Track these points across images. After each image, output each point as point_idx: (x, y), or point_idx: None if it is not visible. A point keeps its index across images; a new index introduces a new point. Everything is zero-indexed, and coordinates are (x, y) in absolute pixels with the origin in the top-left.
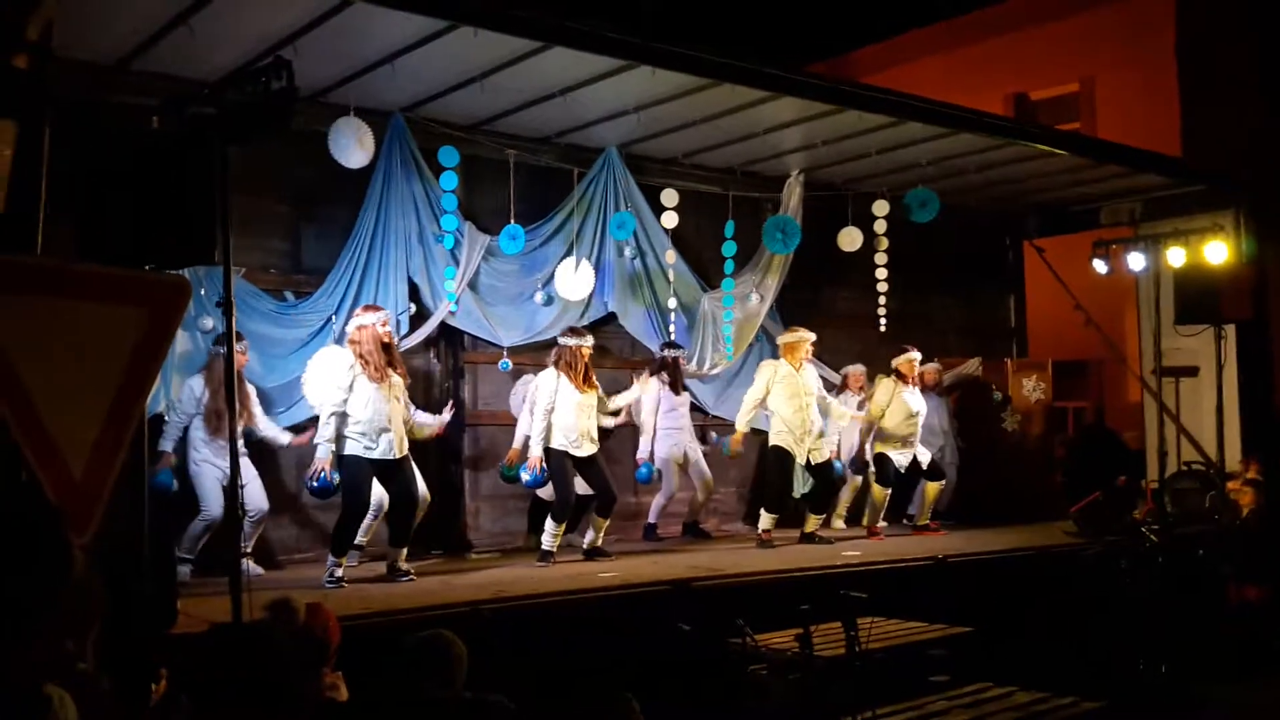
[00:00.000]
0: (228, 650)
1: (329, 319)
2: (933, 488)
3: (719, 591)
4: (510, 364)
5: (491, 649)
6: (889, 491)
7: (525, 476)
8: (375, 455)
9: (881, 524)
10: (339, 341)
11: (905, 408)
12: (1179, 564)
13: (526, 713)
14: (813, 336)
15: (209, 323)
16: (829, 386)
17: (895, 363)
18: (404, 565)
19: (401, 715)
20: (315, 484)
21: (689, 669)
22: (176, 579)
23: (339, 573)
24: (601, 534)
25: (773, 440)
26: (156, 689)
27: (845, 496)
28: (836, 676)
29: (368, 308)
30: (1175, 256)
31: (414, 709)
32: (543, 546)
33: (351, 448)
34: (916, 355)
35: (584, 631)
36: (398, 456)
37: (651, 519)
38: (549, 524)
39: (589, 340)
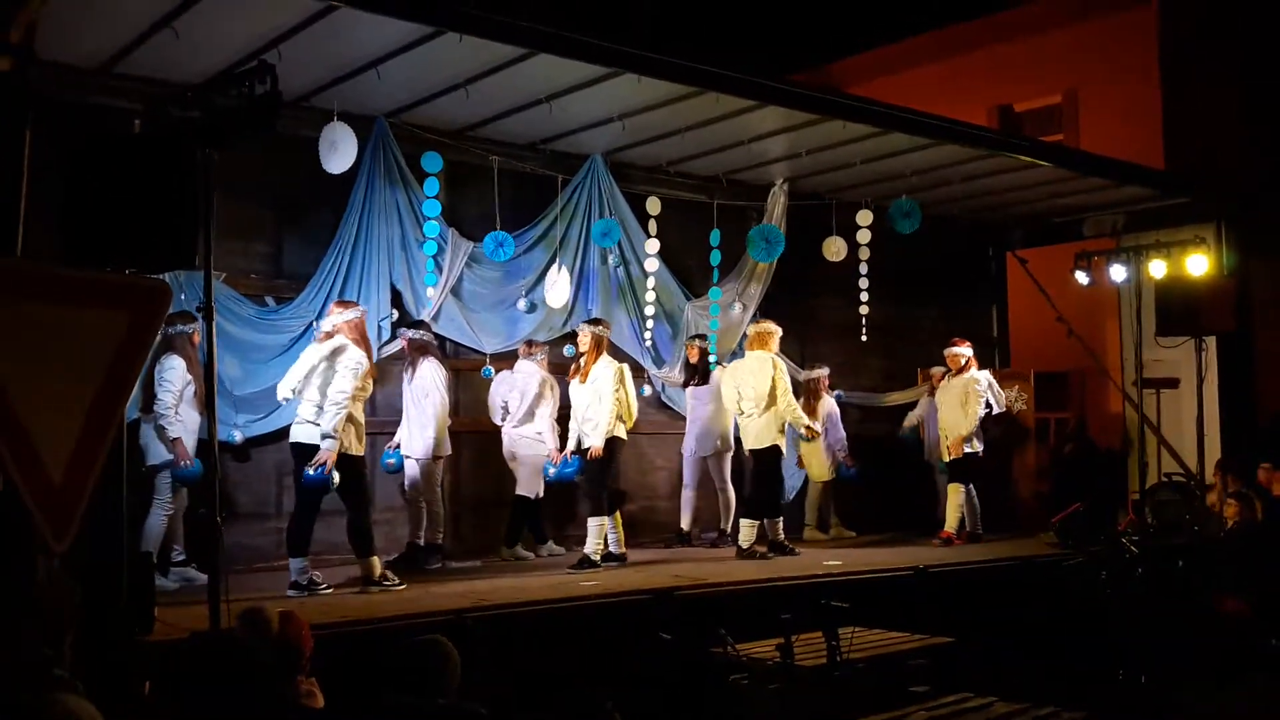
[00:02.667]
0: (202, 658)
1: (310, 325)
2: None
3: (701, 600)
4: (493, 370)
5: (474, 658)
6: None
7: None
8: (361, 454)
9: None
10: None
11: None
12: (1159, 574)
13: None
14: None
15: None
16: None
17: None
18: (390, 574)
19: None
20: (316, 475)
21: (670, 678)
22: (155, 586)
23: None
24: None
25: (772, 440)
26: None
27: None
28: (817, 686)
29: (349, 304)
30: (1157, 268)
31: (391, 717)
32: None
33: (354, 447)
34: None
35: (566, 640)
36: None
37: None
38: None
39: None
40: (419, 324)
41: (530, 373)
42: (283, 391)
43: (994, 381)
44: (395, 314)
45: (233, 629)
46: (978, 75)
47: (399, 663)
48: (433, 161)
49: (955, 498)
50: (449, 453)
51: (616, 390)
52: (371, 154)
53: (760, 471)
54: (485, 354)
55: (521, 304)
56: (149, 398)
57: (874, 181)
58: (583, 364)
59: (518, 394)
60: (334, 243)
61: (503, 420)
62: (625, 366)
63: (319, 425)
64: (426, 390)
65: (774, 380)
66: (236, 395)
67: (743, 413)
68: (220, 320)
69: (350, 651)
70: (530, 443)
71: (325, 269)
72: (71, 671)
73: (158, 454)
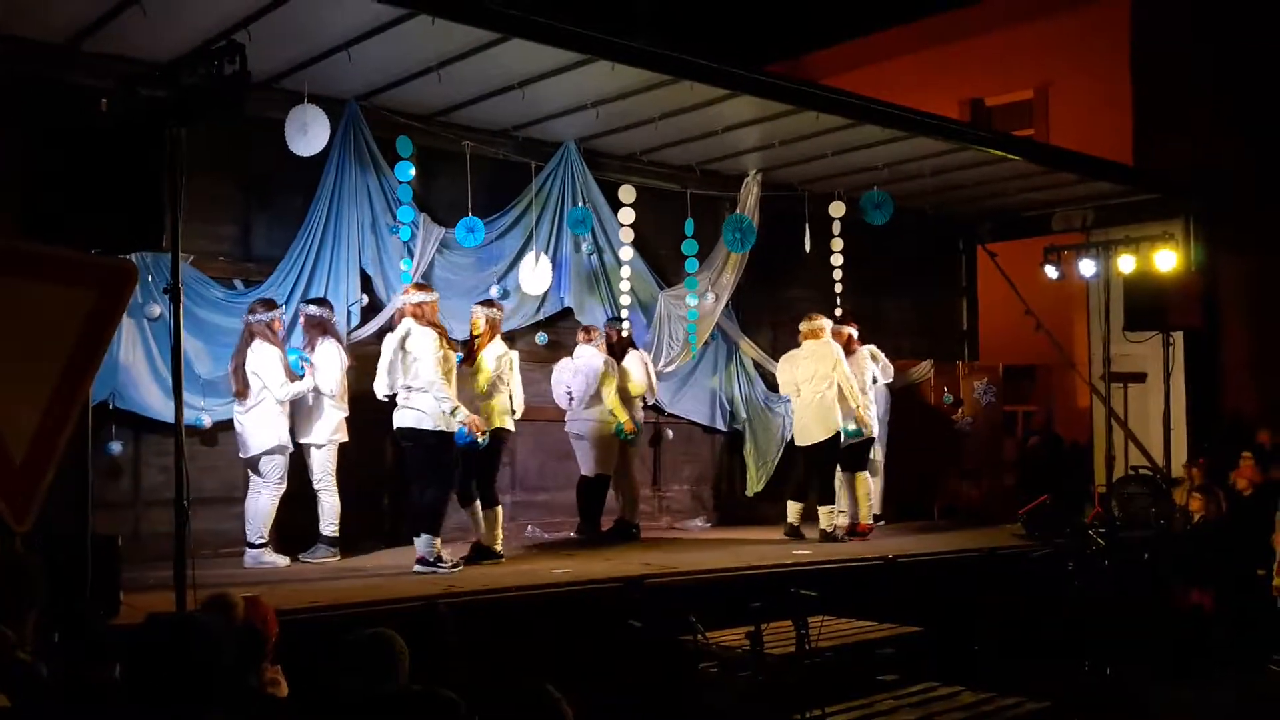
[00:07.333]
0: (161, 642)
1: (279, 308)
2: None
3: (671, 588)
4: (463, 357)
5: (444, 645)
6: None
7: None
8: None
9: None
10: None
11: None
12: (1125, 567)
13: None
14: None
15: (156, 310)
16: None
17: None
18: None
19: (351, 710)
20: (465, 437)
21: (640, 666)
22: (120, 569)
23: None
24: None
25: (831, 431)
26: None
27: None
28: (786, 674)
29: (423, 286)
30: (1125, 263)
31: (364, 703)
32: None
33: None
34: None
35: (535, 628)
36: None
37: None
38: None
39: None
40: (320, 300)
41: (591, 356)
42: (380, 391)
43: (877, 351)
44: (365, 299)
45: (195, 613)
46: (950, 69)
47: (346, 658)
48: (405, 145)
49: (862, 488)
50: (346, 438)
51: (496, 375)
52: (342, 137)
53: (820, 461)
54: (457, 341)
55: (494, 290)
56: (242, 384)
57: (846, 173)
58: (475, 346)
59: (581, 378)
60: (304, 226)
61: (568, 405)
62: (515, 355)
63: (416, 409)
64: (327, 372)
65: (836, 360)
66: (204, 379)
67: (799, 395)
68: (188, 303)
69: (318, 639)
70: (592, 425)
71: (295, 253)
72: (34, 653)
73: (259, 443)
